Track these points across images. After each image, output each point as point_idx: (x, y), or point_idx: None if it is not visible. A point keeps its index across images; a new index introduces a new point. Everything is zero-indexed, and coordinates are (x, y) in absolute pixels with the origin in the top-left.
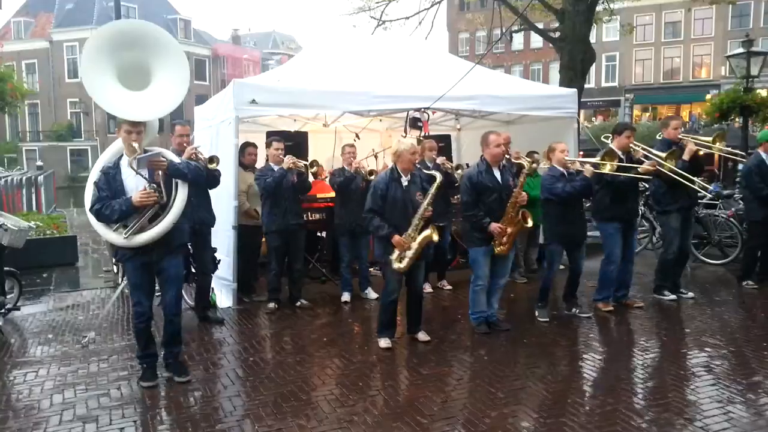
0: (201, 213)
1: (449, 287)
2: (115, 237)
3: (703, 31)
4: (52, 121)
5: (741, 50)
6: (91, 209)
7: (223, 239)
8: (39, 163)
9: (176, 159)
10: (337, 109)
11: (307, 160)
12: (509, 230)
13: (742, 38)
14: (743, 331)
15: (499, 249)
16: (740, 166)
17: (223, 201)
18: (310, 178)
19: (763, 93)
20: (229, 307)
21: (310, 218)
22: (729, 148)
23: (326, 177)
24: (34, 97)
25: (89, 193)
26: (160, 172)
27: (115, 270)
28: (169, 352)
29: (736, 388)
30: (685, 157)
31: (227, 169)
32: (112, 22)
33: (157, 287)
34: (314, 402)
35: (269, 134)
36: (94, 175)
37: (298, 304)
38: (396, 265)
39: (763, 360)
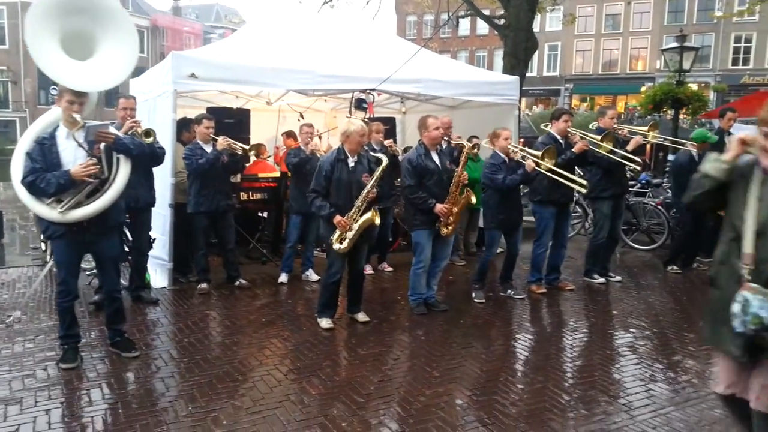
0: (139, 190)
1: (390, 269)
2: (48, 211)
3: (641, 25)
4: None
5: (675, 45)
6: (23, 181)
7: (158, 218)
8: None
9: (119, 134)
10: (280, 86)
11: (248, 138)
12: (454, 210)
13: (677, 33)
14: (666, 313)
15: (444, 230)
16: (670, 157)
17: (159, 178)
18: (253, 159)
19: (693, 87)
20: (165, 287)
21: (252, 198)
22: (661, 138)
23: (268, 156)
24: None
25: (18, 165)
26: (101, 146)
27: (44, 247)
28: (114, 330)
29: (657, 367)
30: (629, 148)
31: (164, 145)
32: None
33: (88, 265)
34: (250, 382)
35: (210, 111)
36: (25, 145)
37: (237, 283)
38: (336, 246)
39: (684, 341)
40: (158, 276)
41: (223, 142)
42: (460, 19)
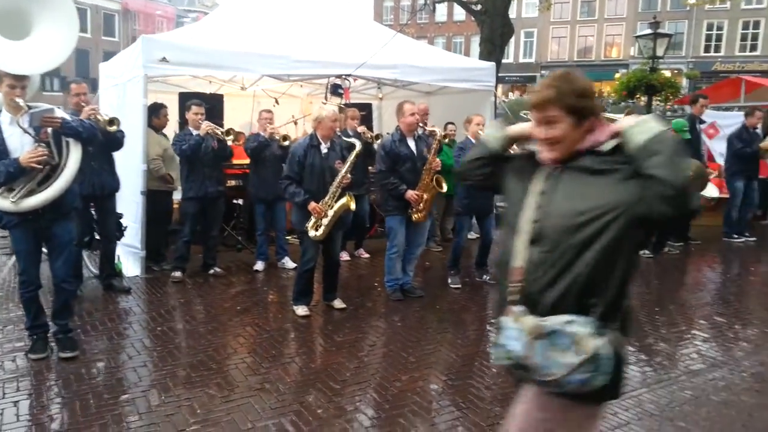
0: (104, 177)
1: (366, 255)
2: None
3: (616, 12)
4: None
5: (648, 31)
6: None
7: (131, 205)
8: None
9: (68, 117)
10: (254, 71)
11: (222, 125)
12: (425, 196)
13: (651, 20)
14: (638, 296)
15: (416, 216)
16: None
17: (131, 165)
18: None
19: (666, 73)
20: (137, 275)
21: (227, 184)
22: None
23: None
24: None
25: None
26: (50, 131)
27: None
28: (58, 324)
29: (629, 349)
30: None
31: (135, 131)
32: None
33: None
34: (225, 371)
35: (182, 96)
36: None
37: (212, 271)
38: (312, 233)
39: (655, 324)
40: (130, 264)
41: (206, 127)
42: (437, 5)
